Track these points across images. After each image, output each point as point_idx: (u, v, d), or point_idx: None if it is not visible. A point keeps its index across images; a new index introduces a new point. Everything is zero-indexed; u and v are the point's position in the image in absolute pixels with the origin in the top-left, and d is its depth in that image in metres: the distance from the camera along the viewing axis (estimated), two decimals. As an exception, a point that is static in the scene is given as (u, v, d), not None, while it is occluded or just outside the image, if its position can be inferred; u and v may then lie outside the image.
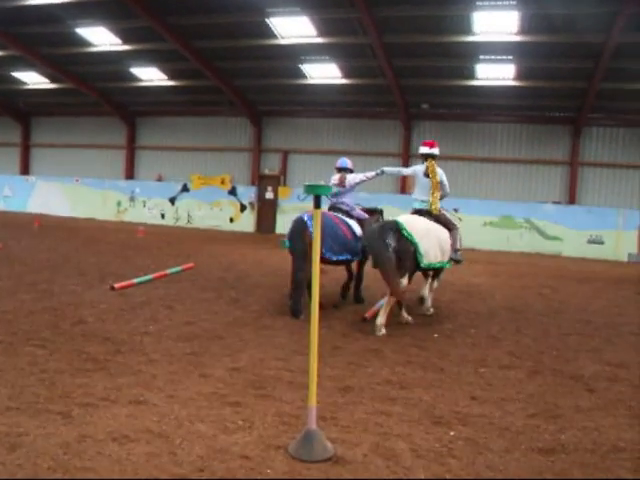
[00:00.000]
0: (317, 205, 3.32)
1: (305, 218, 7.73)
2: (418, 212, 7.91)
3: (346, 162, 9.03)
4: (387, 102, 20.54)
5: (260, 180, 23.07)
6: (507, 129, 20.51)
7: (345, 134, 22.10)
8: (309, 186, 3.25)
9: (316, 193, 3.28)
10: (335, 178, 8.84)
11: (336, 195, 8.62)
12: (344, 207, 8.62)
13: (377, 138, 21.71)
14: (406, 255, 6.93)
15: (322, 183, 3.22)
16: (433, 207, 7.93)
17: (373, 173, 8.98)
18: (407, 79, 18.66)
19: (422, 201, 8.02)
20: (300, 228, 7.72)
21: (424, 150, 8.27)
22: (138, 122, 25.10)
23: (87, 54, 19.49)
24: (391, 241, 6.82)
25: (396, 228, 6.95)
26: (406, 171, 8.88)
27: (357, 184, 8.79)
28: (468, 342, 6.63)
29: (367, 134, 21.78)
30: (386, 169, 8.95)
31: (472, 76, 18.00)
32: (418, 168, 8.29)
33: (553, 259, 18.05)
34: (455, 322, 7.72)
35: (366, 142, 21.77)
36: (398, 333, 6.87)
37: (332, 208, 8.63)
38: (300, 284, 7.53)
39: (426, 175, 8.06)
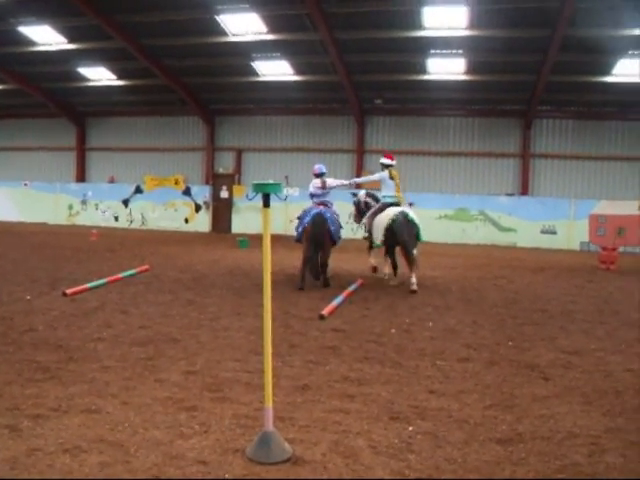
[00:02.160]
0: (266, 203, 3.27)
1: (325, 213, 9.96)
2: (392, 205, 10.60)
3: (323, 168, 10.99)
4: (340, 98, 20.58)
5: (214, 179, 22.86)
6: (459, 123, 20.79)
7: (299, 131, 22.07)
8: (258, 185, 3.20)
9: (265, 191, 3.23)
10: (317, 182, 10.70)
11: (319, 196, 10.65)
12: (329, 205, 10.60)
13: (331, 134, 21.74)
14: (414, 234, 10.21)
15: (271, 181, 3.17)
16: (402, 200, 10.87)
17: (347, 182, 11.63)
18: (359, 75, 18.74)
19: (391, 196, 10.75)
20: (320, 221, 9.84)
21: (387, 162, 10.87)
22: (88, 123, 24.56)
23: (31, 53, 18.94)
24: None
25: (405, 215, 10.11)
26: (374, 178, 11.28)
27: (333, 188, 10.81)
28: (426, 336, 6.67)
29: (321, 131, 21.79)
30: (357, 180, 12.17)
31: (424, 71, 18.18)
32: (383, 174, 10.82)
33: (508, 250, 18.38)
34: (412, 316, 7.77)
35: (320, 139, 21.79)
36: (355, 329, 6.88)
37: (321, 204, 10.52)
38: (315, 266, 10.01)
39: (391, 178, 10.77)
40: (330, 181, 10.79)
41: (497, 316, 7.94)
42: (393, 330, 6.92)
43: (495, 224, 20.13)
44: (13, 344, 5.81)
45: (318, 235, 9.80)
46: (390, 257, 10.93)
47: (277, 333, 6.39)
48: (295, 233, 10.43)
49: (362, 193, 11.82)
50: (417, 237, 10.27)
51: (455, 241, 20.11)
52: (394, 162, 10.94)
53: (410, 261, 9.99)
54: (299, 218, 10.44)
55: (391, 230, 10.08)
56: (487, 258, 15.76)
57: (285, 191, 18.97)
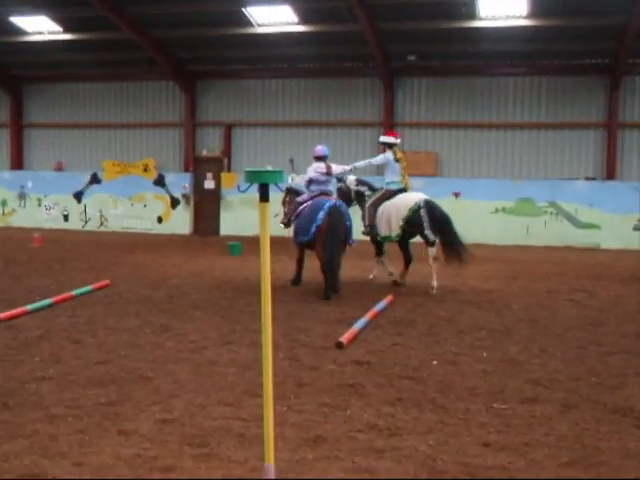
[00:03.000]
0: (264, 197, 3.28)
1: (341, 206, 10.99)
2: (400, 190, 11.89)
3: (326, 149, 11.85)
4: (361, 54, 20.60)
5: (196, 165, 22.96)
6: (521, 84, 20.76)
7: (307, 99, 22.15)
8: (252, 172, 3.20)
9: (262, 181, 3.22)
10: (321, 166, 11.58)
11: (321, 183, 11.55)
12: (330, 195, 11.54)
13: (350, 103, 21.79)
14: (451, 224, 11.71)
15: (269, 168, 3.18)
16: (408, 186, 12.09)
17: (349, 167, 12.32)
18: (386, 22, 18.73)
19: (397, 182, 11.96)
20: (339, 216, 10.73)
21: (391, 140, 12.13)
22: (26, 91, 24.77)
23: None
24: None
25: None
26: (377, 160, 12.39)
27: (339, 174, 11.94)
28: (478, 369, 6.66)
29: (336, 99, 21.85)
30: (357, 164, 12.52)
31: (472, 14, 18.13)
32: (388, 156, 11.98)
33: (588, 253, 18.30)
34: (460, 343, 7.76)
35: (335, 109, 21.83)
36: (384, 361, 6.88)
37: (323, 194, 11.44)
38: (336, 268, 10.79)
39: (396, 161, 11.92)
40: (335, 167, 11.89)
41: (574, 342, 7.90)
42: (434, 362, 6.91)
43: (570, 219, 20.07)
44: None
45: (338, 234, 10.70)
46: (404, 250, 12.19)
47: (281, 368, 6.41)
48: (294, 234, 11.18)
49: (352, 179, 12.57)
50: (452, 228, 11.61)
51: (516, 242, 20.07)
52: (399, 140, 12.24)
53: (458, 254, 11.48)
54: (298, 214, 11.19)
55: (415, 222, 11.42)
56: (560, 264, 15.70)
57: (289, 179, 19.00)
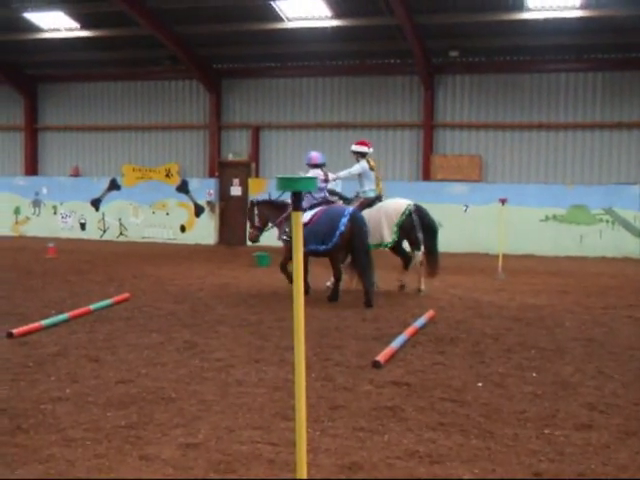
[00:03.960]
0: (297, 205, 3.29)
1: (360, 214, 11.85)
2: (377, 198, 13.06)
3: (323, 157, 13.01)
4: (399, 50, 20.61)
5: (221, 170, 23.09)
6: (574, 80, 20.62)
7: (341, 99, 22.18)
8: (285, 179, 3.21)
9: (295, 189, 3.24)
10: (320, 174, 12.49)
11: (320, 191, 12.36)
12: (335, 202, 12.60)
13: (387, 103, 21.79)
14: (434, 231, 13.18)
15: (301, 174, 3.20)
16: (382, 193, 13.41)
17: (335, 176, 13.18)
18: (426, 15, 18.72)
19: (373, 190, 13.09)
20: (362, 224, 11.56)
21: (364, 149, 13.12)
22: (41, 92, 25.11)
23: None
24: None
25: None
26: (355, 170, 13.08)
27: (334, 180, 13.07)
28: (528, 392, 6.62)
29: (372, 98, 21.86)
30: (340, 174, 13.23)
31: (520, 6, 18.07)
32: (363, 165, 12.99)
33: (648, 266, 18.11)
34: (507, 363, 7.72)
35: (371, 109, 21.85)
36: (425, 383, 6.87)
37: (325, 202, 12.31)
38: (372, 273, 11.60)
39: (371, 169, 13.05)
40: (330, 174, 12.93)
41: (634, 363, 7.82)
42: (480, 384, 6.88)
43: (628, 227, 19.87)
44: (-62, 407, 5.95)
45: (365, 240, 11.58)
46: (400, 253, 13.28)
47: (313, 388, 6.42)
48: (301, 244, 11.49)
49: None
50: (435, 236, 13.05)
51: (568, 253, 19.91)
52: (371, 149, 13.38)
53: (435, 264, 12.85)
54: (307, 222, 11.48)
55: (408, 226, 12.64)
56: (617, 277, 15.55)
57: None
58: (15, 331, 8.59)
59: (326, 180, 12.62)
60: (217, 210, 22.99)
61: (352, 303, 11.47)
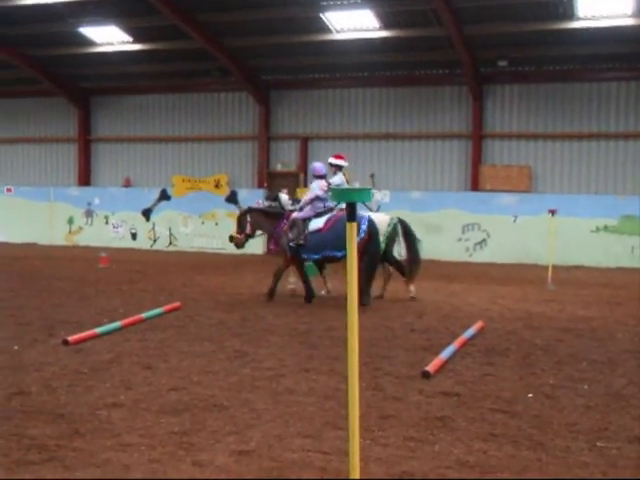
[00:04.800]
0: (351, 217, 3.32)
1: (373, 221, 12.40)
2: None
3: (325, 167, 13.29)
4: (447, 61, 20.60)
5: (270, 180, 23.22)
6: (625, 89, 20.42)
7: (389, 110, 22.20)
8: (340, 191, 3.25)
9: (350, 200, 3.27)
10: (324, 184, 12.82)
11: (325, 200, 12.80)
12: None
13: (435, 114, 21.77)
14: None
15: (357, 185, 3.24)
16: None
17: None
18: (474, 25, 18.68)
19: None
20: (376, 230, 12.24)
21: (341, 162, 13.50)
22: (94, 104, 25.53)
23: (14, 10, 19.92)
24: None
25: None
26: (334, 181, 13.26)
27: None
28: (579, 404, 6.56)
29: (421, 108, 21.86)
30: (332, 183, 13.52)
31: (570, 15, 17.93)
32: (342, 177, 13.43)
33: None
34: (559, 375, 7.65)
35: (419, 120, 21.83)
36: (475, 393, 6.85)
37: (329, 210, 12.75)
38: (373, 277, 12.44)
39: (347, 181, 13.70)
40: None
41: (687, 375, 7.72)
42: (530, 395, 6.83)
43: (681, 239, 19.60)
44: (-3, 412, 6.09)
45: (379, 245, 12.41)
46: (392, 263, 13.37)
47: (363, 398, 6.41)
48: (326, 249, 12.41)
49: (285, 198, 13.83)
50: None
51: (620, 264, 19.66)
52: (346, 163, 13.89)
53: (416, 269, 13.21)
54: (319, 229, 12.38)
55: (393, 236, 13.00)
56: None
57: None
58: (70, 338, 8.74)
59: (328, 190, 12.84)
60: (266, 220, 23.06)
61: (400, 314, 11.47)
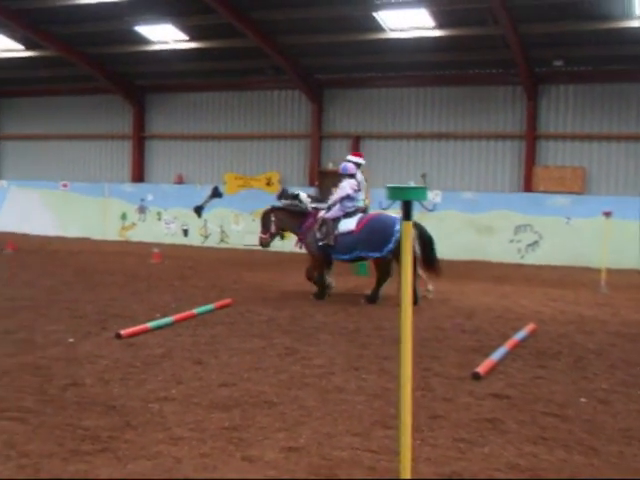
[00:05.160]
0: (407, 215, 3.31)
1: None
2: (364, 210, 13.17)
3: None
4: (502, 60, 20.41)
5: (322, 179, 23.24)
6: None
7: (442, 109, 22.07)
8: (395, 189, 3.24)
9: (406, 198, 3.26)
10: (355, 183, 12.77)
11: (355, 199, 12.82)
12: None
13: (488, 113, 21.57)
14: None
15: (412, 184, 3.24)
16: (368, 205, 14.58)
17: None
18: (530, 24, 18.47)
19: (362, 200, 13.26)
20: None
21: (360, 160, 13.43)
22: (148, 101, 25.84)
23: (73, 9, 20.23)
24: None
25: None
26: (362, 180, 13.19)
27: None
28: (633, 409, 6.49)
29: (474, 108, 21.68)
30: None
31: (629, 13, 17.64)
32: (360, 176, 13.12)
33: None
34: (612, 379, 7.57)
35: (472, 119, 21.67)
36: (525, 396, 6.80)
37: (359, 211, 12.83)
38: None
39: (365, 180, 13.54)
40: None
41: None
42: (583, 399, 6.77)
43: None
44: (52, 403, 6.19)
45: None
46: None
47: (413, 398, 6.38)
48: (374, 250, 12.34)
49: (304, 196, 13.78)
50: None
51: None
52: (364, 161, 13.82)
53: (436, 269, 12.81)
54: (352, 231, 12.37)
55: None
56: None
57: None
58: (123, 332, 8.88)
59: (359, 190, 12.89)
60: (316, 218, 23.11)
61: (450, 314, 11.42)
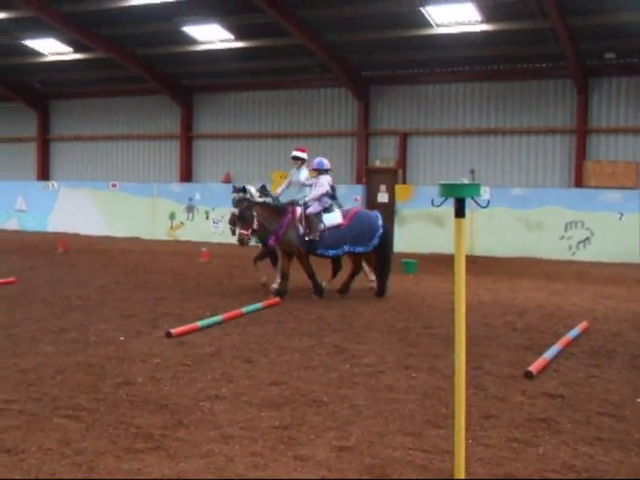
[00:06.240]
0: (460, 212, 3.30)
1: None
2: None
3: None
4: (551, 54, 20.17)
5: (369, 176, 23.20)
6: None
7: (490, 105, 21.87)
8: (448, 186, 3.23)
9: (460, 195, 3.25)
10: (330, 179, 13.32)
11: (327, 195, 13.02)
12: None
13: (538, 108, 21.30)
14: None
15: (465, 181, 3.21)
16: None
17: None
18: (580, 17, 18.22)
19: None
20: (387, 226, 13.15)
21: (305, 155, 14.38)
22: (196, 101, 26.02)
23: (122, 11, 20.47)
24: None
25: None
26: (305, 176, 14.08)
27: None
28: (691, 408, 6.37)
29: (523, 102, 21.44)
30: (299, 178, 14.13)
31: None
32: (307, 172, 14.12)
33: None
34: (669, 378, 7.45)
35: (522, 114, 21.43)
36: (580, 396, 6.71)
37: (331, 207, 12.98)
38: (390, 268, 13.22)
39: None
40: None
41: None
42: (639, 399, 6.67)
43: None
44: (105, 401, 6.29)
45: (391, 241, 14.63)
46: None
47: (466, 396, 6.38)
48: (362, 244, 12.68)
49: (253, 191, 13.72)
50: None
51: None
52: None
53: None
54: (339, 225, 12.58)
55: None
56: None
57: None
58: (173, 331, 8.98)
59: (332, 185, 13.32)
60: (364, 216, 23.07)
61: (501, 312, 11.32)
